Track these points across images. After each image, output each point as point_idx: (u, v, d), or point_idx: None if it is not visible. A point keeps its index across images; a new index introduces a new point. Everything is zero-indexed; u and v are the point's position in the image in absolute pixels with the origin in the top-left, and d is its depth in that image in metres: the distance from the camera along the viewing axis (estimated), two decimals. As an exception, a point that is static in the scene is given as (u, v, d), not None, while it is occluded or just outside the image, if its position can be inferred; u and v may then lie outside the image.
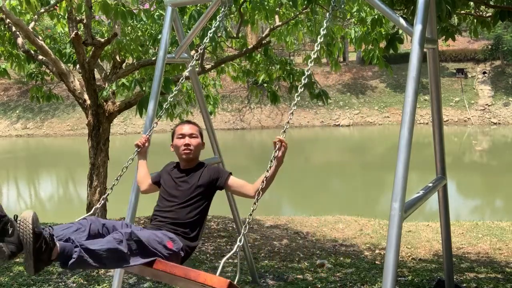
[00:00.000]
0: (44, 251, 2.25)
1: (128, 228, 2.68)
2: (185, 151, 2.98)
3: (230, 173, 3.02)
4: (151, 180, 3.17)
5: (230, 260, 6.58)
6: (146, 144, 3.33)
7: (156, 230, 2.79)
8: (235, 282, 2.42)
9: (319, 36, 3.20)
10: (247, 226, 2.68)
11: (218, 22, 4.11)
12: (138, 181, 3.25)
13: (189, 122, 3.16)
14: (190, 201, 2.90)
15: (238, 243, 2.58)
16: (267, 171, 2.74)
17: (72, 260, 2.33)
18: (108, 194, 3.36)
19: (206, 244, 7.45)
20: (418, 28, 3.03)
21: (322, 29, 3.20)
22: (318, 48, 3.12)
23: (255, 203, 2.72)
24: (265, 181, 2.75)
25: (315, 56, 3.12)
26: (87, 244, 2.40)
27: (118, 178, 3.26)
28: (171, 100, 3.66)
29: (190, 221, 2.87)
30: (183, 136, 3.02)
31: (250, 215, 2.70)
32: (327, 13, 3.55)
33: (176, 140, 3.04)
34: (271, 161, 2.75)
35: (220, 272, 2.47)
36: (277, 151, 2.75)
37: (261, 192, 2.75)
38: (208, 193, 2.99)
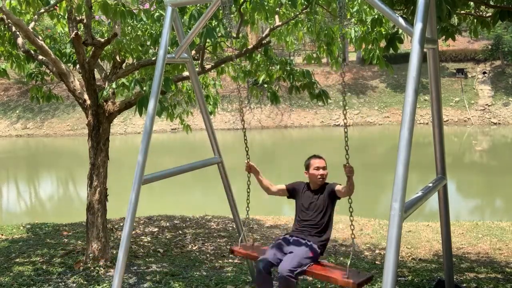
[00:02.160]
0: None
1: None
2: (320, 179, 4.28)
3: (337, 184, 4.21)
4: (285, 187, 4.45)
5: (230, 260, 6.58)
6: (251, 168, 4.49)
7: (301, 243, 4.10)
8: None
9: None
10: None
11: (224, 21, 4.52)
12: (265, 187, 4.50)
13: (319, 157, 4.34)
14: (322, 211, 4.21)
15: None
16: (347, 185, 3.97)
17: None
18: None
19: (206, 244, 7.45)
20: (418, 28, 3.03)
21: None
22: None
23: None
24: (347, 192, 3.98)
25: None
26: None
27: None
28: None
29: (323, 224, 4.20)
30: (318, 168, 4.27)
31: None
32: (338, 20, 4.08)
33: (313, 170, 4.28)
34: (347, 182, 3.92)
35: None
36: (348, 176, 3.87)
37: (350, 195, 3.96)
38: (331, 202, 4.25)
